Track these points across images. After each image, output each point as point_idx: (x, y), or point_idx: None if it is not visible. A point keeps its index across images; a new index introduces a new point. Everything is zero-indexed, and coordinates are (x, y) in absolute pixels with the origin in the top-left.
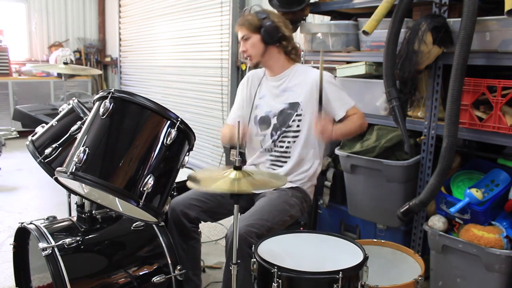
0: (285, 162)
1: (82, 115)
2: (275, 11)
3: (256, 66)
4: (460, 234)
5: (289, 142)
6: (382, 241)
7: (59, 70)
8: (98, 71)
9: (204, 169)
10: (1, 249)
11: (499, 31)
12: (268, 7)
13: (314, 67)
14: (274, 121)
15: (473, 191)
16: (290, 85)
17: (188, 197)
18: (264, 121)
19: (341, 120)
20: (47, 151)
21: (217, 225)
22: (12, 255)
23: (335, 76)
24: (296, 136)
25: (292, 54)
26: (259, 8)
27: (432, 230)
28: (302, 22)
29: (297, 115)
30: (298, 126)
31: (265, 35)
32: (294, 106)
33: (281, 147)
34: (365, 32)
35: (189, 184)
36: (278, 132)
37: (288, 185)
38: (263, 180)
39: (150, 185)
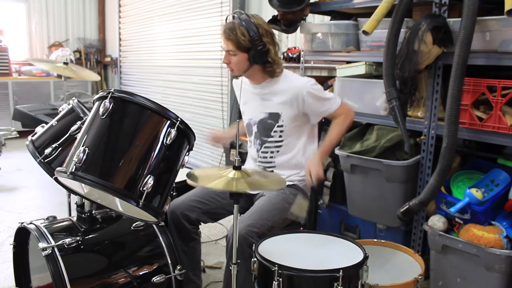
0: (272, 171)
1: (82, 115)
2: (265, 24)
3: (235, 77)
4: (460, 234)
5: (272, 152)
6: (382, 241)
7: (58, 71)
8: (96, 77)
9: (203, 169)
10: (1, 249)
11: (499, 31)
12: (267, 7)
13: (312, 67)
14: (254, 129)
15: (473, 191)
16: (270, 94)
17: (188, 198)
18: (248, 128)
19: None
20: (47, 151)
21: (217, 225)
22: (12, 255)
23: (334, 77)
24: (279, 146)
25: (269, 72)
26: (247, 19)
27: (432, 230)
28: (302, 22)
29: (278, 126)
30: (280, 136)
31: (253, 57)
32: (274, 116)
33: (265, 157)
34: (365, 32)
35: (189, 181)
36: (259, 141)
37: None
38: (261, 180)
39: (150, 185)
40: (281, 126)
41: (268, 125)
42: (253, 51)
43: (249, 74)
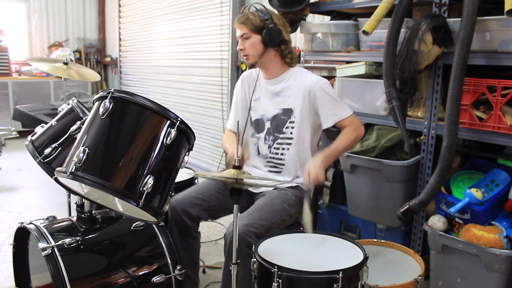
0: (281, 170)
1: (81, 115)
2: (276, 12)
3: (252, 66)
4: (460, 234)
5: (283, 149)
6: (382, 241)
7: (57, 73)
8: (96, 76)
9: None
10: (1, 249)
11: (499, 31)
12: (267, 6)
13: (312, 67)
14: (267, 125)
15: (473, 191)
16: (285, 89)
17: (189, 195)
18: (258, 124)
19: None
20: (47, 151)
21: (217, 225)
22: (12, 255)
23: (334, 77)
24: (290, 144)
25: (287, 58)
26: (260, 6)
27: (432, 230)
28: (302, 22)
29: (290, 122)
30: (291, 133)
31: (267, 37)
32: (287, 112)
33: (276, 153)
34: (365, 32)
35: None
36: (271, 137)
37: (288, 184)
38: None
39: (150, 185)
40: (293, 122)
41: (281, 121)
42: (266, 31)
43: (264, 61)
